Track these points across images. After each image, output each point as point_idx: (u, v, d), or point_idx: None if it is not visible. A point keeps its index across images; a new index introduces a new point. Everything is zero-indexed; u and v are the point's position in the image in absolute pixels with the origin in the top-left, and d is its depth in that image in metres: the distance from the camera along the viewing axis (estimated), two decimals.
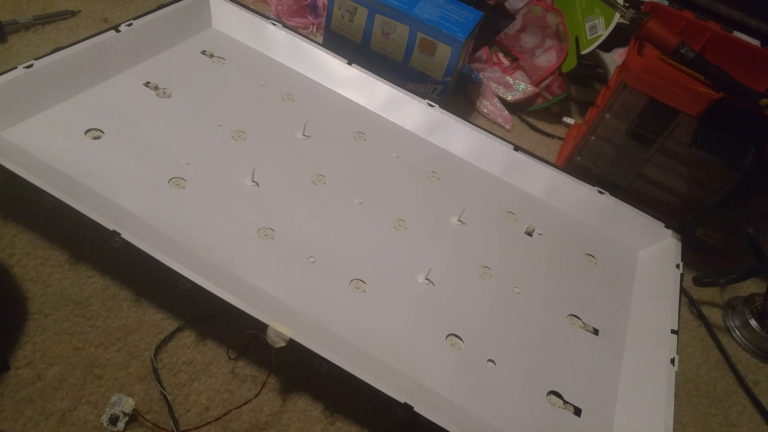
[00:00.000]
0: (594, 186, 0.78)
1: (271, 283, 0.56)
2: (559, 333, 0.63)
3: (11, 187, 0.58)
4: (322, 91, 0.81)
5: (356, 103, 0.81)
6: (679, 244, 0.74)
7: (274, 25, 0.83)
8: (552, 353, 0.60)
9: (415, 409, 0.48)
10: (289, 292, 0.56)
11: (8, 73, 0.60)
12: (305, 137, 0.73)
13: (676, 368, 0.59)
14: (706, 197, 0.77)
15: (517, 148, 0.79)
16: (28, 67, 0.61)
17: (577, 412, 0.56)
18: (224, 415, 0.49)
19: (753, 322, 0.74)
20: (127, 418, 0.46)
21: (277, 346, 0.48)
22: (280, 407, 0.52)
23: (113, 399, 0.47)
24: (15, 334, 0.49)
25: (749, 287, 0.81)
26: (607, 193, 0.78)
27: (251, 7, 0.85)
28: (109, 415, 0.46)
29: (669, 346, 0.61)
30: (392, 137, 0.78)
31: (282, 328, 0.48)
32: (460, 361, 0.56)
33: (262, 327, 0.49)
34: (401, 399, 0.48)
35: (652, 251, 0.75)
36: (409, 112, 0.80)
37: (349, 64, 0.82)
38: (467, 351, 0.57)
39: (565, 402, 0.57)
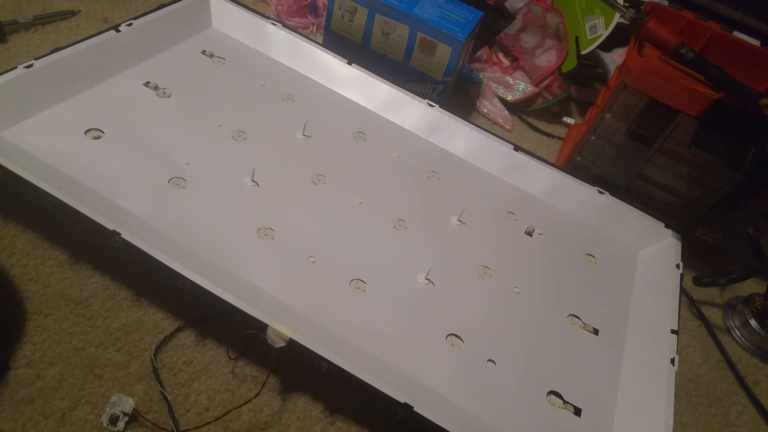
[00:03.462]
0: (594, 186, 0.78)
1: (271, 283, 0.56)
2: (559, 333, 0.63)
3: (11, 187, 0.58)
4: (322, 91, 0.81)
5: (356, 103, 0.81)
6: (679, 244, 0.74)
7: (274, 25, 0.83)
8: (552, 353, 0.60)
9: (415, 409, 0.48)
10: (289, 292, 0.56)
11: (8, 73, 0.60)
12: (305, 137, 0.73)
13: (676, 368, 0.59)
14: (706, 197, 0.77)
15: (517, 148, 0.79)
16: (28, 67, 0.61)
17: (577, 412, 0.56)
18: (224, 415, 0.49)
19: (753, 322, 0.74)
20: (127, 418, 0.46)
21: (277, 346, 0.48)
22: (280, 407, 0.52)
23: (113, 399, 0.47)
24: (15, 334, 0.49)
25: (749, 287, 0.81)
26: (607, 193, 0.78)
27: (251, 7, 0.85)
28: (109, 415, 0.46)
29: (669, 346, 0.61)
30: (392, 137, 0.78)
31: (282, 328, 0.48)
32: (460, 361, 0.56)
33: (262, 327, 0.49)
34: (401, 399, 0.48)
35: (652, 251, 0.75)
36: (409, 112, 0.80)
37: (349, 64, 0.81)
38: (467, 351, 0.57)
39: (565, 402, 0.57)
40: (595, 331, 0.64)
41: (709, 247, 0.81)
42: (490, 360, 0.57)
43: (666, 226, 0.76)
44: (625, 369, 0.62)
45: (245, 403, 0.50)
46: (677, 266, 0.71)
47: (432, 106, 0.80)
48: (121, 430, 0.46)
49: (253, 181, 0.65)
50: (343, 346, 0.53)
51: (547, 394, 0.57)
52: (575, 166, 0.83)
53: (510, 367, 0.57)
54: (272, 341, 0.48)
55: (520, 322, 0.62)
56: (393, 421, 0.50)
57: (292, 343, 0.48)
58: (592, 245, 0.75)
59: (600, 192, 0.78)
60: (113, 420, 0.46)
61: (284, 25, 0.83)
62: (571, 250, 0.73)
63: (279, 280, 0.56)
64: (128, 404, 0.47)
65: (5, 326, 0.50)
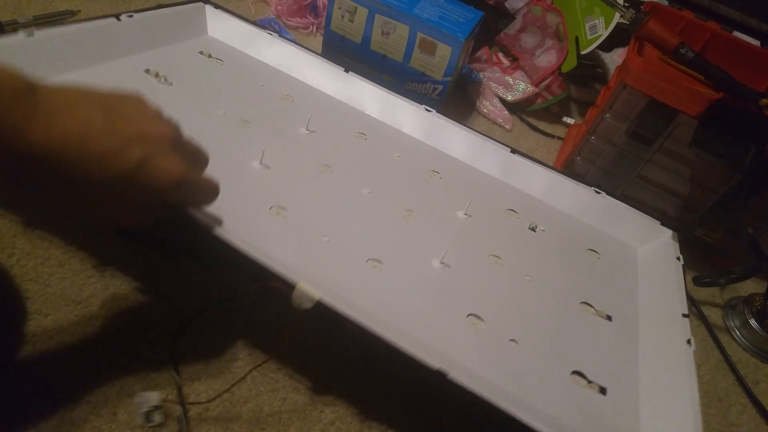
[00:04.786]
0: (590, 186, 0.78)
1: (287, 256, 0.54)
2: (573, 318, 0.62)
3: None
4: (320, 97, 0.80)
5: (354, 109, 0.80)
6: (676, 241, 0.74)
7: (270, 35, 0.82)
8: (570, 336, 0.60)
9: (449, 377, 0.45)
10: (307, 266, 0.54)
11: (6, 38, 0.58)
12: (309, 132, 0.72)
13: (693, 348, 0.57)
14: (707, 197, 0.77)
15: (513, 151, 0.78)
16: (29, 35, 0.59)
17: (602, 390, 0.55)
18: (224, 415, 0.49)
19: (753, 322, 0.74)
20: (160, 411, 0.46)
21: (303, 308, 0.46)
22: (280, 407, 0.52)
23: (137, 399, 0.47)
24: (15, 334, 0.49)
25: (749, 287, 0.81)
26: (603, 193, 0.77)
27: (250, 13, 0.85)
28: (143, 415, 0.46)
29: (683, 328, 0.60)
30: (392, 139, 0.78)
31: (310, 288, 0.46)
32: (483, 339, 0.55)
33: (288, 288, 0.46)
34: (435, 365, 0.46)
35: (651, 248, 0.75)
36: (406, 119, 0.80)
37: (346, 71, 0.81)
38: (489, 330, 0.56)
39: (589, 382, 0.56)
40: (608, 318, 0.64)
41: (709, 247, 0.81)
42: (512, 340, 0.57)
43: (662, 224, 0.76)
44: (642, 351, 0.61)
45: (245, 403, 0.50)
46: (678, 258, 0.71)
47: (429, 111, 0.79)
48: (163, 422, 0.46)
49: (262, 164, 0.64)
50: (368, 317, 0.48)
51: (571, 374, 0.56)
52: (575, 166, 0.83)
53: (532, 347, 0.57)
54: (298, 302, 0.45)
55: (535, 306, 0.62)
56: (393, 421, 0.50)
57: (317, 307, 0.45)
58: (593, 242, 0.74)
59: (596, 192, 0.78)
60: (149, 417, 0.46)
61: (281, 33, 0.82)
62: (573, 245, 0.73)
63: (295, 253, 0.55)
64: (154, 398, 0.46)
65: (5, 326, 0.50)
